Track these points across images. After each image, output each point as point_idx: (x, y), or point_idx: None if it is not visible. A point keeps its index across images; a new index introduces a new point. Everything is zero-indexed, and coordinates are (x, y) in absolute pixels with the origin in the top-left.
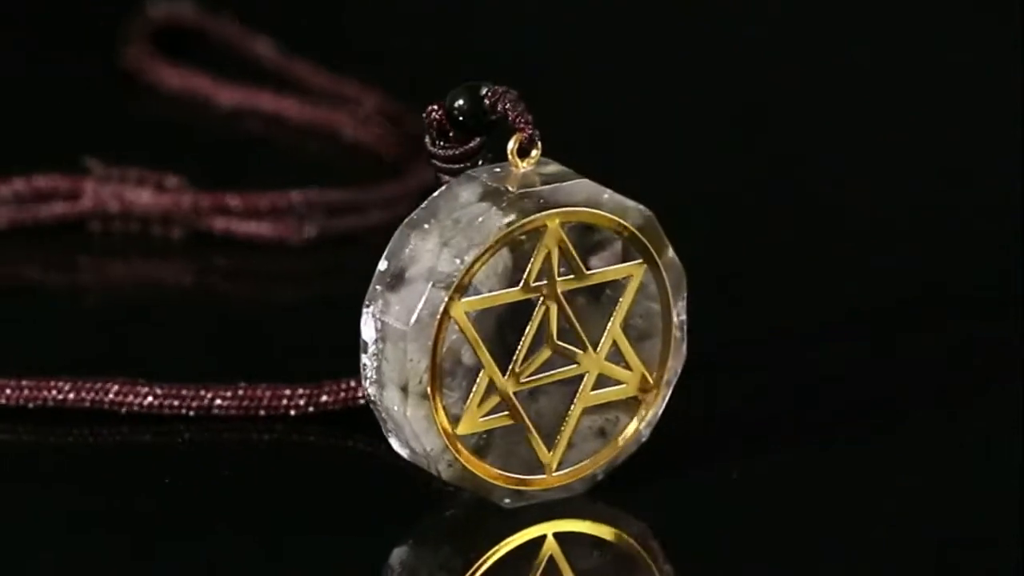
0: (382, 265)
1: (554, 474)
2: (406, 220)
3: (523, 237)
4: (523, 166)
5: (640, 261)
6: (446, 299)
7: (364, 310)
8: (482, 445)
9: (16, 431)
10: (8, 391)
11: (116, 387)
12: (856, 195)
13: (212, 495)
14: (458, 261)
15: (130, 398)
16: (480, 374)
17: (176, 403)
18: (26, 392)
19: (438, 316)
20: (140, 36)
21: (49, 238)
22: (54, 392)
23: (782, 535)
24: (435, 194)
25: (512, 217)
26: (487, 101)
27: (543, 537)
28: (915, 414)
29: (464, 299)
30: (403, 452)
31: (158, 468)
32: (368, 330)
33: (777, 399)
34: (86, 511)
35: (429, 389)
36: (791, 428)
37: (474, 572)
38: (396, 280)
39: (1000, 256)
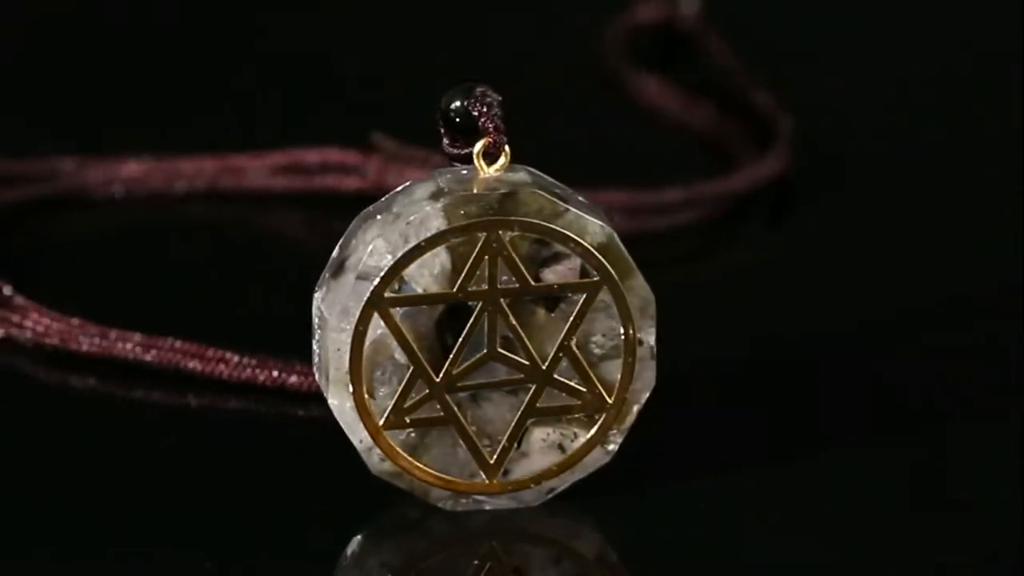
0: (334, 252)
1: (497, 482)
2: (364, 210)
3: (459, 240)
4: (488, 171)
5: (596, 279)
6: (369, 292)
7: (314, 296)
8: (417, 444)
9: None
10: (83, 339)
11: (194, 350)
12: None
13: (179, 470)
14: (389, 256)
15: (201, 365)
16: (409, 371)
17: (244, 374)
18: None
19: (360, 308)
20: (621, 39)
21: (338, 210)
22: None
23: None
24: (398, 188)
25: (449, 219)
26: (467, 103)
27: (486, 544)
28: (891, 431)
29: (390, 294)
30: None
31: (144, 432)
32: (314, 317)
33: (749, 417)
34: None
35: (351, 381)
36: (763, 446)
37: (408, 572)
38: (338, 269)
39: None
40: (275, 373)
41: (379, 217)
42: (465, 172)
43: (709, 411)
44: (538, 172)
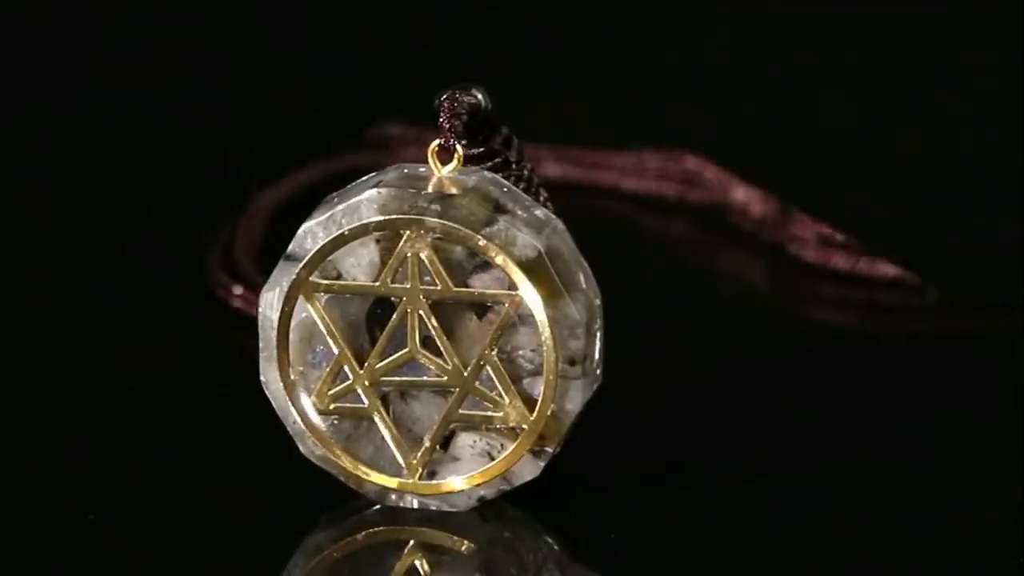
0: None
1: (420, 482)
2: (331, 194)
3: (382, 234)
4: (440, 171)
5: (515, 293)
6: (294, 274)
7: None
8: (350, 434)
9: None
10: None
11: None
12: None
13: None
14: (321, 242)
15: None
16: (334, 358)
17: None
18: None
19: (285, 289)
20: None
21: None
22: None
23: None
24: (364, 177)
25: (380, 212)
26: (440, 102)
27: (405, 542)
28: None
29: (316, 279)
30: None
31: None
32: None
33: (694, 437)
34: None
35: (278, 360)
36: (702, 469)
37: (322, 559)
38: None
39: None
40: None
41: (335, 200)
42: (423, 170)
43: (656, 426)
44: (499, 179)
